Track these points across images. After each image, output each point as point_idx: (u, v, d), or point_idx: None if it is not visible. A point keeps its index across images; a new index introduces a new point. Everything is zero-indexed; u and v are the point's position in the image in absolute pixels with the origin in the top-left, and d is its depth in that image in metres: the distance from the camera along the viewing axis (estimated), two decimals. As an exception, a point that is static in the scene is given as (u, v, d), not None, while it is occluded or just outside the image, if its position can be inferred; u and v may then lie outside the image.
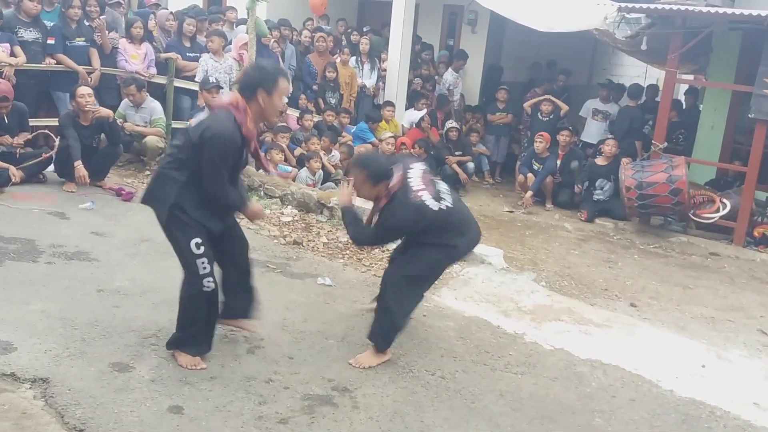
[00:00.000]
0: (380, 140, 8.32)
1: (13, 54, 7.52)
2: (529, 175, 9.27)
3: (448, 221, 4.21)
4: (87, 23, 8.28)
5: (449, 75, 11.00)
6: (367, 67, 10.43)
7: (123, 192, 6.95)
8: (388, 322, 4.25)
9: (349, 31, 11.24)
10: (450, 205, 4.23)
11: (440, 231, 4.20)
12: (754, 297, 6.47)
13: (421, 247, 4.28)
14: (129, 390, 3.62)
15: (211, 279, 3.83)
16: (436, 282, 5.71)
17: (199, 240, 3.76)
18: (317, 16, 11.67)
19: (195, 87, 8.25)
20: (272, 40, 9.13)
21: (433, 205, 4.14)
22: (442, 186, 4.38)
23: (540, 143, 9.25)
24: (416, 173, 4.27)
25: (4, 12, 7.76)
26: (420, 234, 4.23)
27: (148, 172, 7.87)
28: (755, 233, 8.00)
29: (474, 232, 4.44)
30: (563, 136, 9.22)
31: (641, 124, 9.79)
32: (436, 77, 11.23)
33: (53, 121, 7.53)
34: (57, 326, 4.17)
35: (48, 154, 7.06)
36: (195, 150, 3.66)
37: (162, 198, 3.79)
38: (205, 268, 3.79)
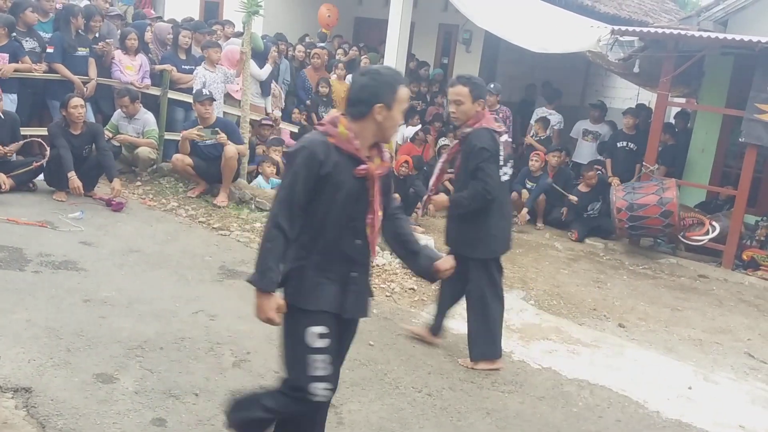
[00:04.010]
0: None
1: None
2: (523, 191, 9.31)
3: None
4: (83, 33, 8.30)
5: (544, 111, 10.72)
6: None
7: (113, 202, 6.92)
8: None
9: (345, 46, 11.34)
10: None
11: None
12: (741, 320, 6.48)
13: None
14: (112, 401, 3.58)
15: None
16: (425, 298, 5.77)
17: None
18: (326, 31, 11.85)
19: (189, 99, 8.25)
20: (275, 52, 9.20)
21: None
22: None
23: (535, 162, 9.30)
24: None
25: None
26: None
27: (138, 183, 7.86)
28: (744, 256, 8.04)
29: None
30: (554, 157, 9.28)
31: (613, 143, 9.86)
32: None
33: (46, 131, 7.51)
34: (42, 336, 4.13)
35: (39, 163, 7.03)
36: None
37: None
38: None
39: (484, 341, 4.61)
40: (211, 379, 3.94)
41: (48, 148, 7.14)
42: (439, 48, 12.65)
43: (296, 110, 9.75)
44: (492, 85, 8.87)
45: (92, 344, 4.13)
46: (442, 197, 4.73)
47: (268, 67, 9.12)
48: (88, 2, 9.69)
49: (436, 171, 4.85)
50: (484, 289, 4.60)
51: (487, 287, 4.61)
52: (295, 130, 9.48)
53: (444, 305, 4.84)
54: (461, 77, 4.50)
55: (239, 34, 9.61)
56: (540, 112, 10.65)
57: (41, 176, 7.15)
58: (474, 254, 4.54)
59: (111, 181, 7.12)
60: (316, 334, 2.81)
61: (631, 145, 9.49)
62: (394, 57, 9.94)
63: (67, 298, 4.72)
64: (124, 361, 3.99)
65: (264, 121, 8.95)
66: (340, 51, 11.26)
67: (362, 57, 10.65)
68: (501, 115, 8.86)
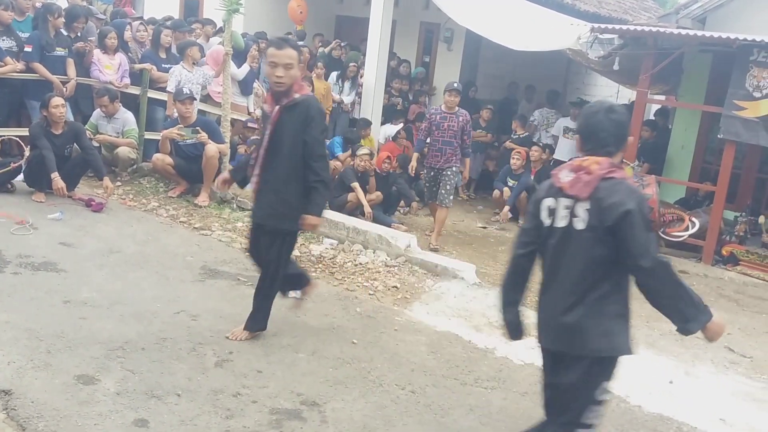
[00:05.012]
0: (356, 156, 8.33)
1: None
2: (505, 189, 9.34)
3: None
4: (66, 33, 8.22)
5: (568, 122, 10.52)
6: (347, 85, 10.53)
7: (93, 203, 6.86)
8: None
9: (321, 45, 11.35)
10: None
11: None
12: (721, 315, 6.52)
13: None
14: (94, 403, 3.55)
15: None
16: (408, 296, 5.77)
17: None
18: (300, 27, 11.83)
19: (169, 98, 8.20)
20: (255, 50, 9.18)
21: None
22: None
23: (517, 160, 9.34)
24: None
25: None
26: None
27: (118, 183, 7.80)
28: (723, 252, 8.12)
29: None
30: (534, 152, 9.36)
31: None
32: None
33: (26, 131, 7.42)
34: (21, 337, 4.09)
35: (17, 164, 6.96)
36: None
37: None
38: None
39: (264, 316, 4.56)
40: (194, 379, 3.92)
41: (26, 149, 7.07)
42: (421, 46, 12.67)
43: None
44: (455, 84, 7.84)
45: (73, 345, 4.09)
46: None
47: (245, 67, 9.09)
48: (67, 1, 9.59)
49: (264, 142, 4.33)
50: (285, 261, 4.53)
51: (287, 260, 4.55)
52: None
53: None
54: (288, 40, 4.25)
55: (219, 31, 9.57)
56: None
57: (20, 177, 7.08)
58: (292, 226, 4.37)
59: (101, 180, 7.08)
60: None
61: None
62: (375, 55, 9.94)
63: (47, 300, 4.67)
64: (106, 362, 3.96)
65: (249, 124, 8.92)
66: (321, 49, 11.26)
67: (350, 65, 10.66)
68: (461, 118, 7.54)
